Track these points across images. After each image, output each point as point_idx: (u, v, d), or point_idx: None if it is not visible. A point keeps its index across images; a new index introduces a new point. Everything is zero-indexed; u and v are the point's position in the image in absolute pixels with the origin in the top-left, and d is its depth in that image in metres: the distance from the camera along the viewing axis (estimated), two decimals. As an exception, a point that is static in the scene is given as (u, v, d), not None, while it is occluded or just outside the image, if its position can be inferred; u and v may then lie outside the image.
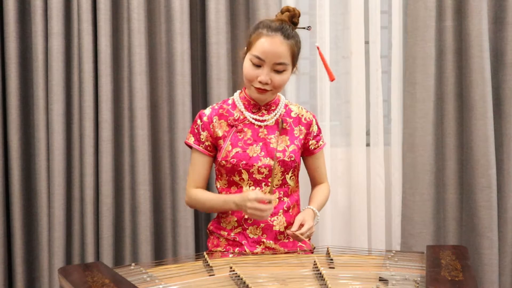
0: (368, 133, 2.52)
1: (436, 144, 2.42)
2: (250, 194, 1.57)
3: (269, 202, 1.57)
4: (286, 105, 1.81)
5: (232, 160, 1.71)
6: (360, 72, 2.45)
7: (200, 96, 2.42)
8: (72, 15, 2.29)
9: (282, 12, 1.71)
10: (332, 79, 1.76)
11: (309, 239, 1.76)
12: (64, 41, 2.28)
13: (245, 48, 1.73)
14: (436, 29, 2.38)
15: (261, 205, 1.56)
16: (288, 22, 1.69)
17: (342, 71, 2.53)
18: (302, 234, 1.61)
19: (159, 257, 2.36)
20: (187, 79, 2.32)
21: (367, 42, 2.47)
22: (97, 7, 2.25)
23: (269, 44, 1.63)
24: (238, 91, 1.82)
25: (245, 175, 1.72)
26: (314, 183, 1.90)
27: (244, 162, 1.71)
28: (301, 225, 1.64)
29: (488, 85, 2.31)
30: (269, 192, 1.65)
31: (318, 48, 1.82)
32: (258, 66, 1.66)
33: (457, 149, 2.41)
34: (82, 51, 2.26)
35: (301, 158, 1.84)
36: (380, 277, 1.33)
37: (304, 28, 1.76)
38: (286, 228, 1.74)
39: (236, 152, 1.72)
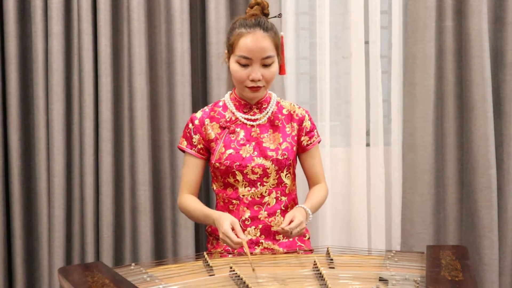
0: (368, 133, 2.51)
1: (436, 144, 2.41)
2: (224, 226, 1.52)
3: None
4: (277, 102, 1.80)
5: (225, 162, 1.71)
6: (360, 72, 2.45)
7: (200, 96, 2.42)
8: (72, 15, 2.30)
9: (251, 7, 1.71)
10: (281, 73, 1.75)
11: (301, 236, 1.75)
12: (64, 41, 2.28)
13: (226, 51, 1.72)
14: (436, 29, 2.38)
15: (232, 236, 1.50)
16: (261, 15, 1.69)
17: (342, 71, 2.53)
18: (291, 229, 1.55)
19: (159, 257, 2.36)
20: (187, 79, 2.32)
21: (367, 42, 2.47)
22: (97, 7, 2.26)
23: (252, 41, 1.63)
24: (229, 92, 1.82)
25: (239, 176, 1.71)
26: (310, 183, 1.85)
27: (237, 163, 1.70)
28: (291, 222, 1.59)
29: (488, 85, 2.31)
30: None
31: (282, 37, 1.73)
32: (246, 65, 1.66)
33: (457, 149, 2.41)
34: (82, 51, 2.26)
35: (297, 156, 1.83)
36: (380, 277, 1.33)
37: (275, 17, 1.76)
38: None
39: (230, 154, 1.71)
